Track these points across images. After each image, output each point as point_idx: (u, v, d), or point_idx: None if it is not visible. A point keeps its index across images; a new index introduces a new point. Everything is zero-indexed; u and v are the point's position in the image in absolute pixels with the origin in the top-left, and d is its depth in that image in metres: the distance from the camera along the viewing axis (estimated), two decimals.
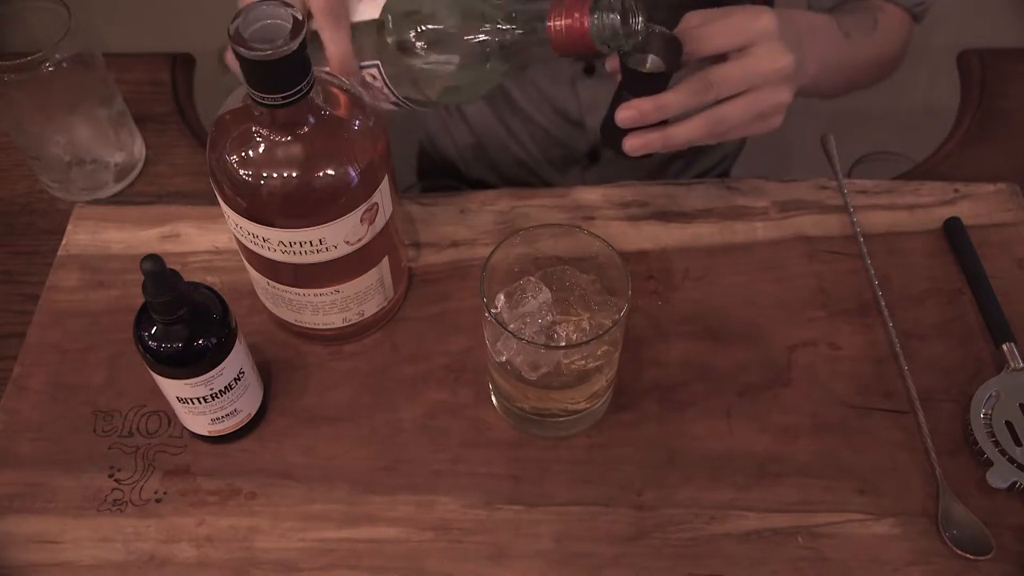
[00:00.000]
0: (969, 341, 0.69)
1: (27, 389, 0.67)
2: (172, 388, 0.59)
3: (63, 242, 0.75)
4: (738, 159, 1.08)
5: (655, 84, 0.61)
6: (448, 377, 0.67)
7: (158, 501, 0.62)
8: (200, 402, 0.59)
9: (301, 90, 0.53)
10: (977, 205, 0.76)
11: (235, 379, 0.60)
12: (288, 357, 0.69)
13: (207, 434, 0.63)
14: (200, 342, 0.56)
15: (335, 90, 0.58)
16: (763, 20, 0.61)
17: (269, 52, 0.50)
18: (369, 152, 0.58)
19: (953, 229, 0.74)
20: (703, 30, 0.61)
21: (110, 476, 0.63)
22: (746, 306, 0.71)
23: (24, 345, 0.69)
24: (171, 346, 0.56)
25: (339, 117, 0.57)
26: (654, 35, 0.62)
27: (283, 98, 0.53)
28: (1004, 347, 0.67)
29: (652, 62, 0.63)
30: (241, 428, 0.64)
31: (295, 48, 0.50)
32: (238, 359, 0.59)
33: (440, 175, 1.06)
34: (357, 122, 0.58)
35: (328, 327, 0.67)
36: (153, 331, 0.56)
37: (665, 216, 0.75)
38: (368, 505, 0.62)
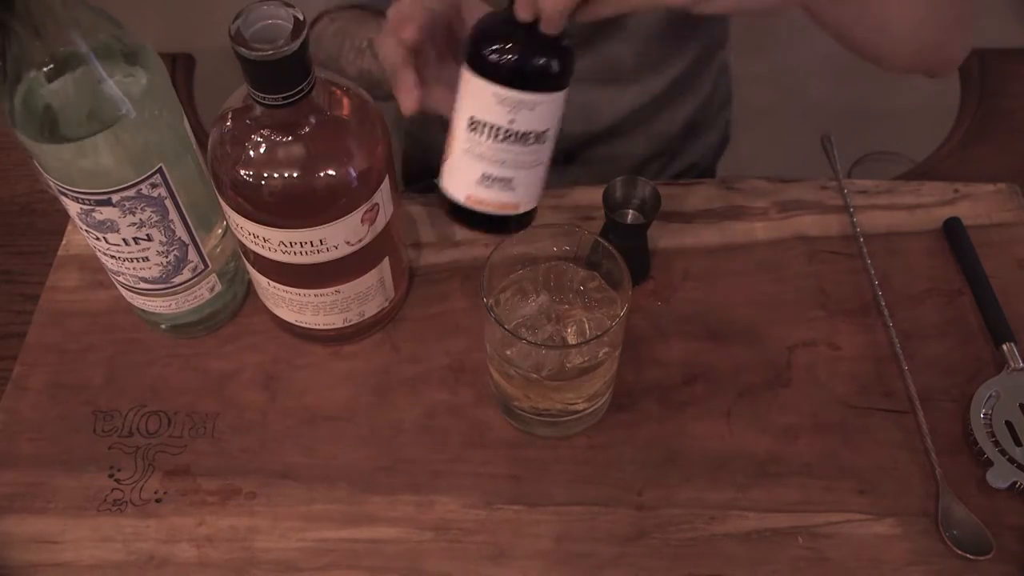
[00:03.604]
0: (969, 341, 0.69)
1: (27, 389, 0.67)
2: (481, 98, 0.52)
3: (63, 242, 0.75)
4: (721, 157, 1.07)
5: (636, 232, 0.67)
6: (448, 377, 0.67)
7: (158, 501, 0.62)
8: (490, 134, 0.52)
9: (302, 90, 0.53)
10: (977, 205, 0.76)
11: (541, 133, 0.54)
12: (288, 357, 0.69)
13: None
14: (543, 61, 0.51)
15: (336, 91, 0.58)
16: None
17: (270, 52, 0.50)
18: (370, 152, 0.58)
19: (953, 229, 0.74)
20: None
21: (110, 476, 0.63)
22: (746, 306, 0.71)
23: (24, 345, 0.69)
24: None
25: (340, 117, 0.57)
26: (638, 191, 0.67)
27: (284, 98, 0.53)
28: (1004, 347, 0.67)
29: (633, 216, 0.67)
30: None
31: (296, 48, 0.50)
32: (555, 110, 0.53)
33: (427, 175, 1.06)
34: (358, 122, 0.58)
35: (329, 327, 0.67)
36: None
37: (665, 216, 0.75)
38: (368, 505, 0.62)
